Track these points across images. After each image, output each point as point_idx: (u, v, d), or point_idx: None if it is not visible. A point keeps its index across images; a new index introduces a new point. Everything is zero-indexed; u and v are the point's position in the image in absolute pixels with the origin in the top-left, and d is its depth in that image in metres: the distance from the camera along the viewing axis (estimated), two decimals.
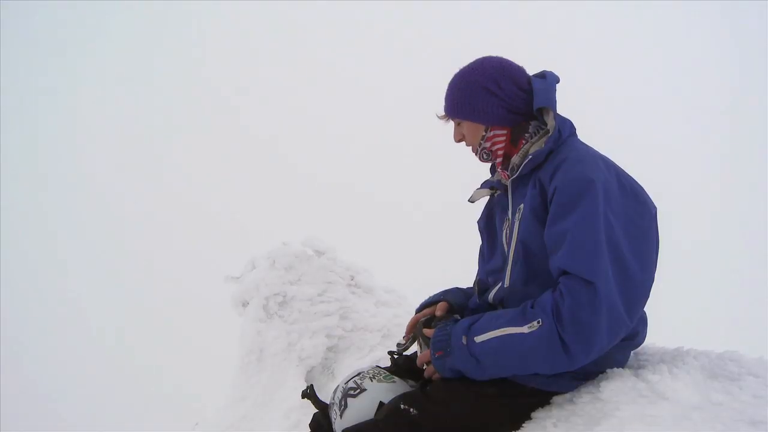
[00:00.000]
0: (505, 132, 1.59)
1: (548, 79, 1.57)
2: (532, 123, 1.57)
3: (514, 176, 1.55)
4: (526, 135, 1.56)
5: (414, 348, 1.72)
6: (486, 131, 1.59)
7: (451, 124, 1.69)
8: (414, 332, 1.69)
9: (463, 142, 1.68)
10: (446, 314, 1.67)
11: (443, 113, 1.68)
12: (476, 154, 1.67)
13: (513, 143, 1.59)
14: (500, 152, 1.61)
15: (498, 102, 1.55)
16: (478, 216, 1.83)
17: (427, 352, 1.49)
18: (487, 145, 1.61)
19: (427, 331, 1.55)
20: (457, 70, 1.65)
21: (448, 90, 1.65)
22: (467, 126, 1.62)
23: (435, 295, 1.81)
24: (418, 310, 1.78)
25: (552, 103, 1.54)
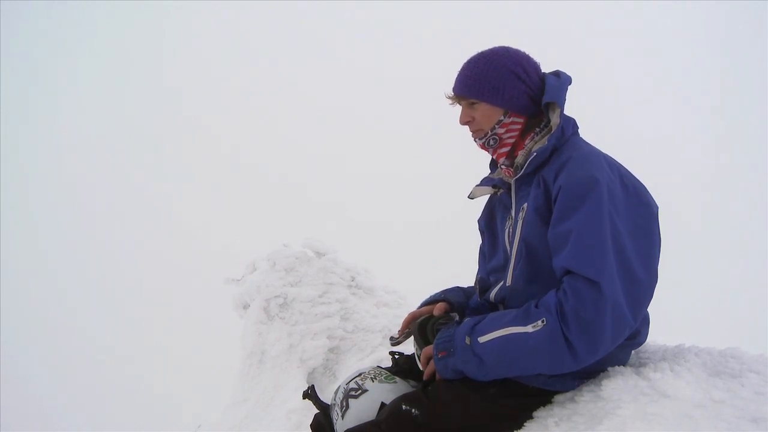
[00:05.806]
0: (522, 121, 1.54)
1: (562, 78, 1.55)
2: (545, 118, 1.54)
3: (519, 175, 1.53)
4: (537, 129, 1.54)
5: (407, 345, 1.71)
6: (504, 116, 1.52)
7: (455, 107, 1.59)
8: (409, 329, 1.68)
9: (468, 126, 1.59)
10: (444, 314, 1.67)
11: (454, 92, 1.57)
12: (481, 139, 1.58)
13: (522, 135, 1.55)
14: (510, 141, 1.55)
15: (524, 89, 1.50)
16: (478, 215, 1.82)
17: (429, 348, 1.48)
18: (501, 131, 1.54)
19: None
20: (474, 53, 1.56)
21: (466, 68, 1.55)
22: (483, 108, 1.53)
23: (436, 294, 1.80)
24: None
25: (561, 100, 1.51)
